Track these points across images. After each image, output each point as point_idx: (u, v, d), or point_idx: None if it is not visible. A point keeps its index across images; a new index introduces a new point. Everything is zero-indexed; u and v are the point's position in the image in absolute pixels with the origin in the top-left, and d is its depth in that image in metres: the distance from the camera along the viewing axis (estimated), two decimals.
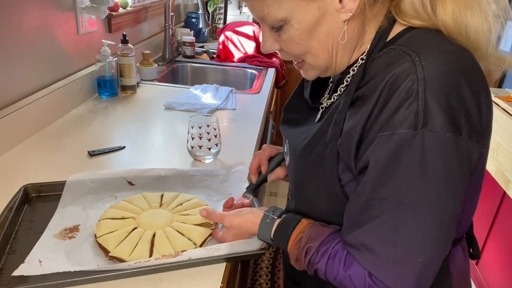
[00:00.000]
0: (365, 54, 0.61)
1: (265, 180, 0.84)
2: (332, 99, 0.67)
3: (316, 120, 0.70)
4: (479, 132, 0.53)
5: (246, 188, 0.85)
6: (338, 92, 0.66)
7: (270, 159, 0.84)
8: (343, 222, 0.60)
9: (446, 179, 0.51)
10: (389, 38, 0.59)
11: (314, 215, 0.67)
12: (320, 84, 0.75)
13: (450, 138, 0.49)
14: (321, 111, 0.70)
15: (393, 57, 0.54)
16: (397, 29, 0.58)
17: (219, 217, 0.73)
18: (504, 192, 1.85)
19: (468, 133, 0.51)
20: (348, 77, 0.64)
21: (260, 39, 0.73)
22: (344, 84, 0.65)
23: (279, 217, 0.68)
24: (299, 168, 0.68)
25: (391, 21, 0.59)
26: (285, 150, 0.78)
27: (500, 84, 3.17)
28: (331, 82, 0.72)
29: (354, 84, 0.59)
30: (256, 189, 0.84)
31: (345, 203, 0.60)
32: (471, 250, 0.74)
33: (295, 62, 0.67)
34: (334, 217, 0.63)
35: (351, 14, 0.57)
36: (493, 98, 2.04)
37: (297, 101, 0.80)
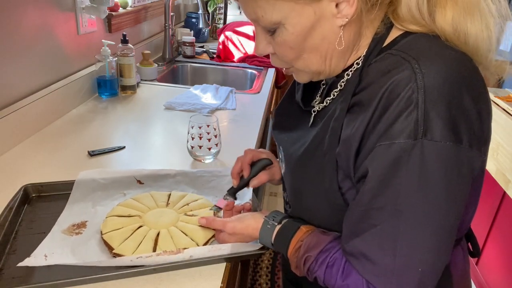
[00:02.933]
0: (361, 59, 0.59)
1: (246, 184, 0.82)
2: (325, 103, 0.66)
3: (310, 125, 0.68)
4: (481, 139, 0.52)
5: (227, 191, 0.83)
6: (332, 96, 0.64)
7: (253, 164, 0.82)
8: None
9: (446, 189, 0.49)
10: (386, 43, 0.57)
11: (314, 222, 0.66)
12: (312, 87, 0.73)
13: (449, 147, 0.48)
14: (313, 115, 0.68)
15: (391, 63, 0.52)
16: (394, 34, 0.57)
17: (221, 224, 0.73)
18: (504, 192, 1.85)
19: (469, 141, 0.50)
20: (342, 82, 0.62)
21: None
22: (338, 89, 0.63)
23: (279, 222, 0.68)
24: (297, 177, 0.67)
25: (388, 26, 0.58)
26: (280, 157, 0.77)
27: (500, 84, 3.17)
28: (323, 85, 0.70)
29: (350, 90, 0.57)
30: (236, 192, 0.83)
31: (345, 211, 0.59)
32: (470, 248, 0.73)
33: (284, 69, 0.65)
34: (334, 224, 0.62)
35: (347, 19, 0.55)
36: (493, 98, 2.04)
37: (288, 104, 0.79)
